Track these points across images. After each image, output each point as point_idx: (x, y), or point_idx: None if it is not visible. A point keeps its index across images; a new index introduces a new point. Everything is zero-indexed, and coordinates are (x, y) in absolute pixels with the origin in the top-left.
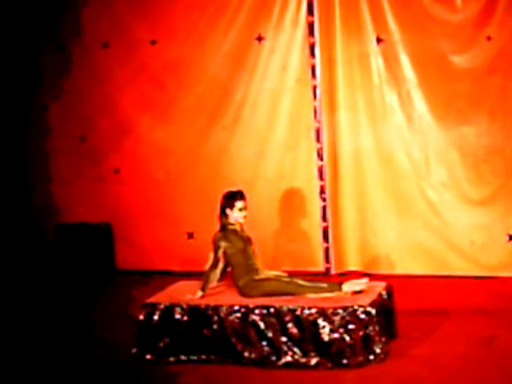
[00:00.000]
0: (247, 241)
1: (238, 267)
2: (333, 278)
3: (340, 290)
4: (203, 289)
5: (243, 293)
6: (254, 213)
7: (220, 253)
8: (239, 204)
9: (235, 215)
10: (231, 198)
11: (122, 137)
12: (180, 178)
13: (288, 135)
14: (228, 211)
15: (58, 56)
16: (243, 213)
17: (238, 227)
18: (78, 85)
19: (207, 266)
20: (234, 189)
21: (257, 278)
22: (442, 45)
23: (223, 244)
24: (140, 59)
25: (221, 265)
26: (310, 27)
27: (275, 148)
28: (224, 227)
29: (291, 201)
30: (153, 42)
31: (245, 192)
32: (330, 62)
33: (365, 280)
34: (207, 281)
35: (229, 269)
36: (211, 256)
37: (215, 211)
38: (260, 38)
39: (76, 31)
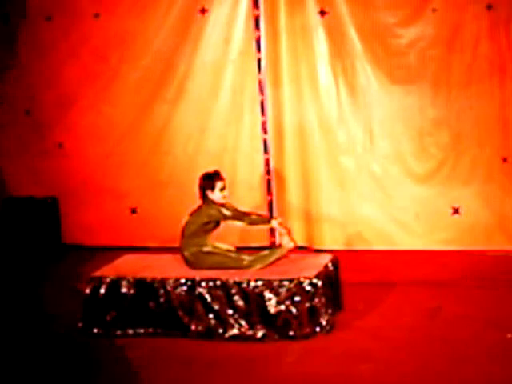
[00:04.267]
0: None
1: (190, 237)
2: None
3: (281, 247)
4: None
5: (188, 263)
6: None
7: (226, 214)
8: (219, 184)
9: (216, 196)
10: (210, 180)
11: (66, 110)
12: (123, 153)
13: (231, 108)
14: (209, 193)
15: (1, 29)
16: (224, 193)
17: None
18: (21, 58)
19: (245, 224)
20: (211, 170)
21: (204, 250)
22: (387, 17)
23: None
24: (83, 32)
25: (235, 218)
26: None
27: (218, 121)
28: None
29: (235, 174)
30: (96, 16)
31: (221, 172)
32: (274, 35)
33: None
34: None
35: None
36: (234, 221)
37: (158, 186)
38: (203, 11)
39: (20, 4)
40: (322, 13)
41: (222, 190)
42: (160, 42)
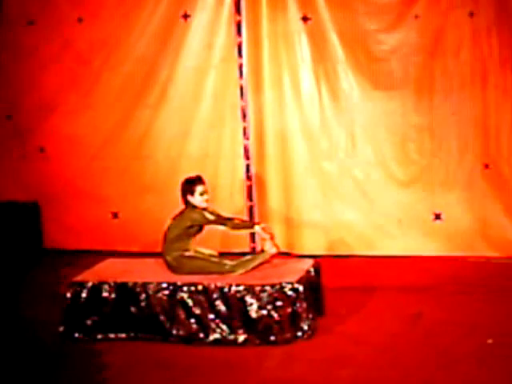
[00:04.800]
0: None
1: (172, 241)
2: None
3: (264, 252)
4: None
5: (171, 267)
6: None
7: (210, 218)
8: (199, 189)
9: (196, 200)
10: (190, 184)
11: (47, 115)
12: (105, 157)
13: (213, 114)
14: (189, 197)
15: None
16: (204, 197)
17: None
18: (3, 62)
19: (228, 228)
20: (193, 174)
21: (186, 254)
22: (370, 23)
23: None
24: (66, 37)
25: (218, 222)
26: (237, 5)
27: (200, 126)
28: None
29: (216, 180)
30: (79, 20)
31: (203, 177)
32: (255, 41)
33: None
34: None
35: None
36: (218, 225)
37: (140, 191)
38: (186, 16)
39: (1, 8)
40: (305, 19)
41: (202, 194)
42: (143, 47)
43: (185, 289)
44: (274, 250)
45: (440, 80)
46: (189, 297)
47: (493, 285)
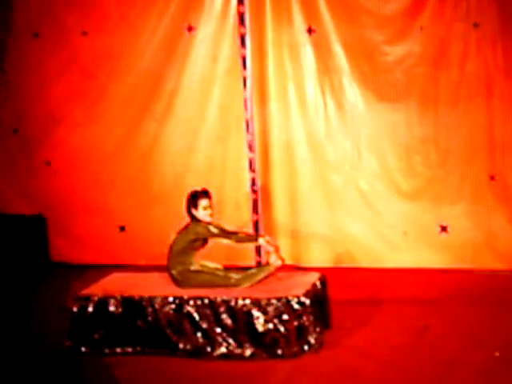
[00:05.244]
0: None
1: (177, 255)
2: None
3: (269, 265)
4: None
5: (176, 281)
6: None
7: (214, 232)
8: (203, 203)
9: (200, 214)
10: (194, 198)
11: (54, 128)
12: (111, 171)
13: (219, 127)
14: (193, 211)
15: None
16: (208, 211)
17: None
18: (8, 75)
19: (233, 242)
20: (199, 188)
21: (192, 268)
22: (375, 35)
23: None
24: (71, 50)
25: (222, 236)
26: (241, 17)
27: (206, 140)
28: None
29: (222, 193)
30: (84, 33)
31: (210, 191)
32: (260, 53)
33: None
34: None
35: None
36: (222, 239)
37: (146, 204)
38: (190, 28)
39: (6, 21)
40: (310, 30)
41: (205, 208)
42: (148, 59)
43: (191, 302)
44: (278, 263)
45: (445, 91)
46: (195, 310)
47: (499, 297)
